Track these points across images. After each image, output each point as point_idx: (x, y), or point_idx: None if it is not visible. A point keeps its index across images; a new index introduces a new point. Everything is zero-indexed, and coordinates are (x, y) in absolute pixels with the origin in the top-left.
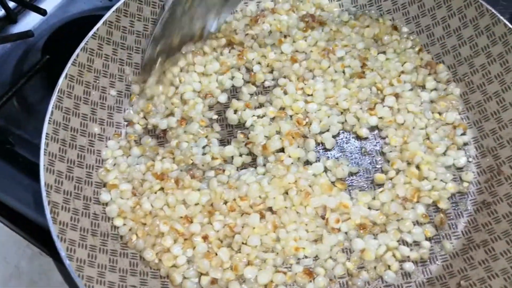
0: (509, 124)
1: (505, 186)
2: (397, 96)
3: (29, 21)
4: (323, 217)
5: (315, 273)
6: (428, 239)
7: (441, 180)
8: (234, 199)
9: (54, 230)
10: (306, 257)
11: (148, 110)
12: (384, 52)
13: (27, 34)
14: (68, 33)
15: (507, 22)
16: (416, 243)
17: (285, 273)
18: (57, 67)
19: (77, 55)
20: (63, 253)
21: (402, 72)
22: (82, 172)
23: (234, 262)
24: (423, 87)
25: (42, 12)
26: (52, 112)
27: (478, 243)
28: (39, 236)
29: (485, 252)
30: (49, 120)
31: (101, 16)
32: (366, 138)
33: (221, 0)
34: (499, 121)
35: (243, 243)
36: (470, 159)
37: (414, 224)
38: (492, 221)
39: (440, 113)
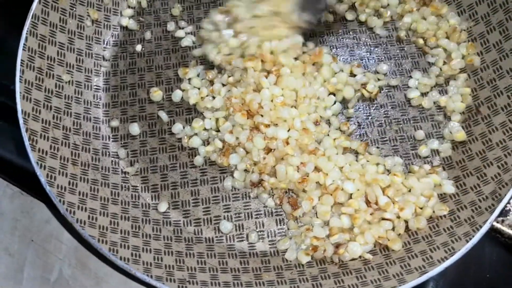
0: (491, 65)
1: (481, 126)
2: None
3: None
4: None
5: None
6: None
7: None
8: None
9: (33, 157)
10: None
11: None
12: None
13: None
14: None
15: None
16: None
17: None
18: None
19: None
20: (43, 179)
21: None
22: (60, 103)
23: None
24: None
25: None
26: (26, 38)
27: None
28: (18, 176)
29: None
30: (23, 47)
31: None
32: None
33: None
34: (482, 62)
35: None
36: None
37: None
38: (466, 159)
39: None
